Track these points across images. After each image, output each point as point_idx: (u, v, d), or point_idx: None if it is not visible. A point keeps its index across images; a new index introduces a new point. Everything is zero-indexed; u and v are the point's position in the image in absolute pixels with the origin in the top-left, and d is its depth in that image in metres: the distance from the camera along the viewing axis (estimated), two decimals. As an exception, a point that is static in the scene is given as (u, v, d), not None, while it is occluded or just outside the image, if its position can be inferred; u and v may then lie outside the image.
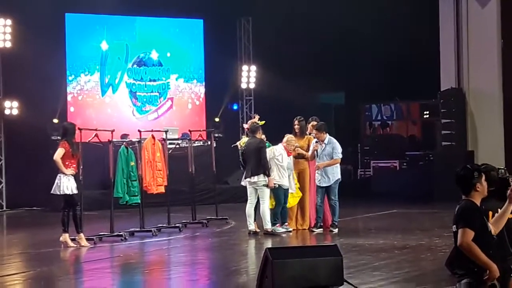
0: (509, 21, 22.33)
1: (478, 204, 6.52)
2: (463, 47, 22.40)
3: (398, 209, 19.42)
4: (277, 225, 15.08)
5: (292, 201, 15.31)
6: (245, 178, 15.25)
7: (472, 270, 6.35)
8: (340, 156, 15.32)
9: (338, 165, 15.40)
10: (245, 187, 15.43)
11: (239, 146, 15.76)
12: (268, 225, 14.87)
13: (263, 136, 15.42)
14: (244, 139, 15.74)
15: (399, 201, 20.55)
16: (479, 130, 22.33)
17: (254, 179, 14.91)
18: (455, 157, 20.35)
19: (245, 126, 15.70)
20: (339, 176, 15.34)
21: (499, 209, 6.87)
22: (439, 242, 13.34)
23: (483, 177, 6.54)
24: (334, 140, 15.41)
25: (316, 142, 15.38)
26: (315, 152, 15.35)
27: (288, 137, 15.32)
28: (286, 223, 15.27)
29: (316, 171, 15.33)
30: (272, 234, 14.79)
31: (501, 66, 22.13)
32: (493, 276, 6.32)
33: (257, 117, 15.94)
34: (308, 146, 15.64)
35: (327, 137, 15.36)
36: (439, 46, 22.74)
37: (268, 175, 14.78)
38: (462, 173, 6.56)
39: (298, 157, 15.52)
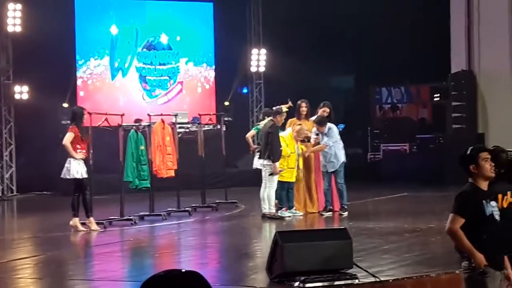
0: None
1: (484, 187, 6.37)
2: (473, 29, 22.29)
3: (408, 192, 19.39)
4: (284, 209, 15.06)
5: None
6: (258, 158, 15.34)
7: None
8: (329, 143, 15.13)
9: (342, 148, 15.34)
10: (255, 171, 15.43)
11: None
12: (269, 209, 14.77)
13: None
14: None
15: (409, 184, 20.49)
16: (490, 112, 22.25)
17: (261, 161, 14.94)
18: (466, 140, 20.27)
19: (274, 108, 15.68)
20: (343, 159, 15.30)
21: (508, 192, 6.82)
22: (449, 225, 13.28)
23: (482, 158, 6.34)
24: (333, 129, 15.28)
25: (317, 134, 15.36)
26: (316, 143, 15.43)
27: (298, 128, 15.18)
28: (294, 208, 15.27)
29: (321, 159, 15.35)
30: (275, 218, 14.71)
31: (511, 47, 22.03)
32: (477, 265, 6.22)
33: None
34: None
35: (327, 127, 15.27)
36: (450, 28, 22.63)
37: (273, 161, 14.72)
38: (461, 154, 6.45)
39: (306, 140, 15.50)
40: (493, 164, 6.40)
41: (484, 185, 6.37)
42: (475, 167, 6.34)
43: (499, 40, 21.86)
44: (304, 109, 15.76)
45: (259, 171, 15.41)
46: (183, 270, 2.98)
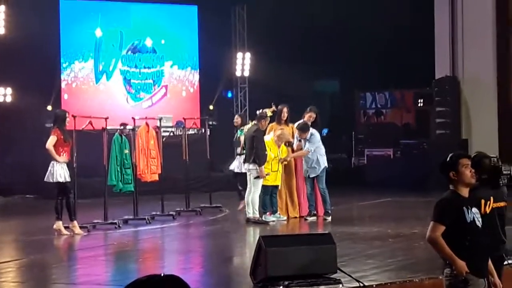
0: (504, 9, 22.32)
1: (465, 193, 6.31)
2: (457, 35, 22.39)
3: (392, 198, 19.42)
4: (268, 213, 15.05)
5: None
6: (243, 163, 15.38)
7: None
8: (310, 149, 15.13)
9: (324, 153, 15.34)
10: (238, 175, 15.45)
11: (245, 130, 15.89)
12: (254, 214, 14.78)
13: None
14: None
15: (393, 190, 20.52)
16: (473, 118, 22.35)
17: (245, 166, 14.97)
18: (449, 146, 20.35)
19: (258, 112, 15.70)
20: (325, 165, 15.31)
21: (491, 197, 6.83)
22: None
23: (462, 165, 6.28)
24: (315, 134, 15.26)
25: (300, 141, 15.36)
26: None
27: (279, 132, 15.16)
28: (278, 212, 15.25)
29: (303, 164, 15.34)
30: (259, 223, 14.70)
31: (495, 54, 22.13)
32: (459, 272, 6.19)
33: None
34: (293, 134, 15.62)
35: (309, 133, 15.26)
36: (434, 34, 22.72)
37: (259, 165, 14.70)
38: (441, 161, 6.40)
39: (288, 145, 15.50)
40: (473, 171, 6.33)
41: (465, 192, 6.31)
42: (455, 174, 6.28)
43: (483, 47, 21.96)
44: (285, 114, 15.73)
45: (241, 175, 15.44)
46: (164, 275, 3.02)
